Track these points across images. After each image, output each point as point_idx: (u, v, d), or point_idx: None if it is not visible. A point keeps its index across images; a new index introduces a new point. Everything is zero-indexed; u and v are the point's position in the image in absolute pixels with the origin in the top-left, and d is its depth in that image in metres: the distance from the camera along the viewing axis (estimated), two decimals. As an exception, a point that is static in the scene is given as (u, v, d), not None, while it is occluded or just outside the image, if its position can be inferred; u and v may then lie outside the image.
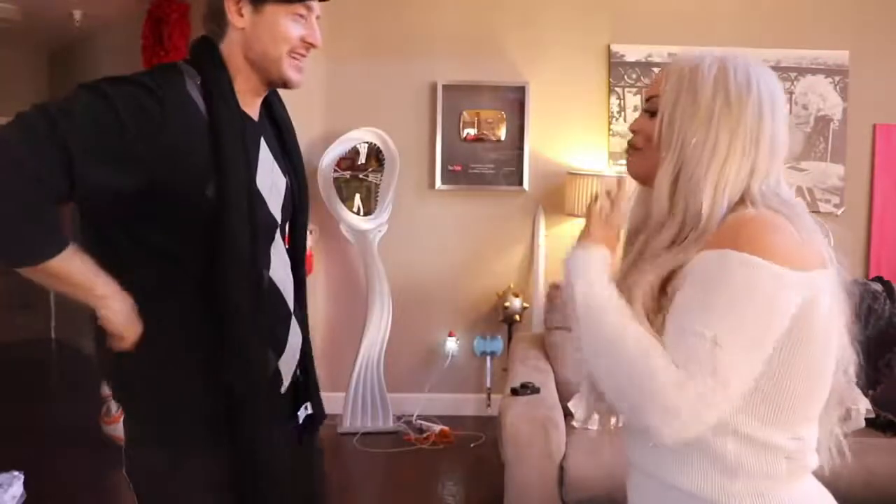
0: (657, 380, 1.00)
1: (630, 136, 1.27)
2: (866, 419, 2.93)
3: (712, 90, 1.11)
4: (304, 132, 4.43)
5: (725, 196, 1.11)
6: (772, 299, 1.03)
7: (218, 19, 1.34)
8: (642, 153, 1.23)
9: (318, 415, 1.55)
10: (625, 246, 1.27)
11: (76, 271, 1.21)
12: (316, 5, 1.33)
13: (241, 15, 1.31)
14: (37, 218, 1.16)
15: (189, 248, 1.27)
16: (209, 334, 1.27)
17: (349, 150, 4.21)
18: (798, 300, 1.04)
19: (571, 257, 1.27)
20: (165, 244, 1.28)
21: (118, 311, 1.23)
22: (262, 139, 1.42)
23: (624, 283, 1.16)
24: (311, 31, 1.34)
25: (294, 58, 1.34)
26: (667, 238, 1.13)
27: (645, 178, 1.23)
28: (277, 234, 1.43)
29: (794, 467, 1.14)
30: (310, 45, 1.35)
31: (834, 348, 1.12)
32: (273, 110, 1.50)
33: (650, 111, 1.19)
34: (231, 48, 1.35)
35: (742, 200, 1.12)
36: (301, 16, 1.32)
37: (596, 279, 1.16)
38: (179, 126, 1.24)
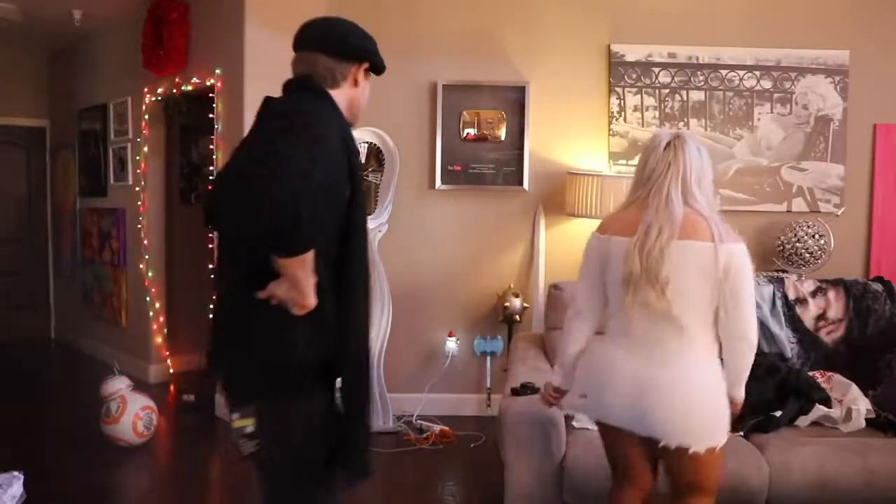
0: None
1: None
2: (866, 419, 2.93)
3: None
4: (304, 132, 4.44)
5: None
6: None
7: (341, 73, 1.74)
8: None
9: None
10: None
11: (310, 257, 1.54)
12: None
13: (359, 82, 1.77)
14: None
15: (330, 237, 1.64)
16: (333, 304, 1.65)
17: (349, 150, 4.21)
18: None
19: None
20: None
21: (312, 286, 1.57)
22: None
23: None
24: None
25: None
26: None
27: None
28: None
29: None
30: None
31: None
32: None
33: None
34: (339, 97, 1.75)
35: None
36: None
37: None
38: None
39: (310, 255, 1.51)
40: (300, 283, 1.54)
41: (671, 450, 1.94)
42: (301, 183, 1.43)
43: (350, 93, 1.76)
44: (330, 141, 1.58)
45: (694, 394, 1.94)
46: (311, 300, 1.56)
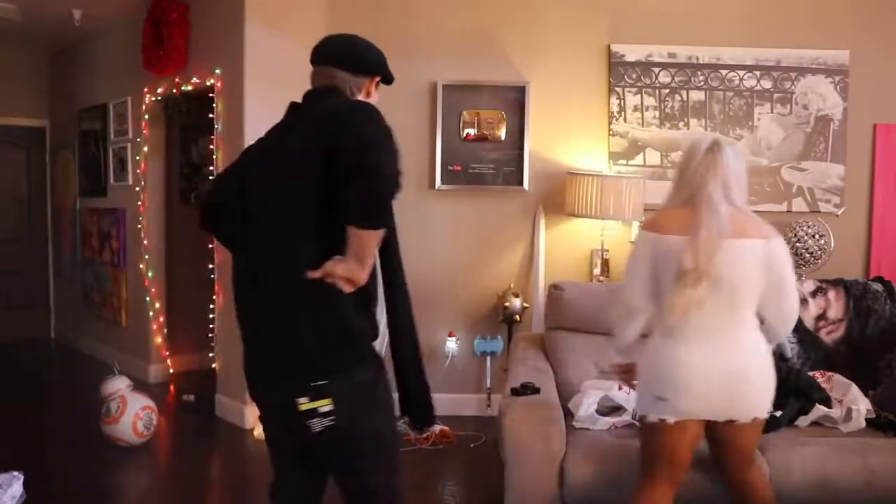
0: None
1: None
2: (867, 419, 2.93)
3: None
4: (304, 132, 4.44)
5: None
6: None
7: (356, 86, 1.90)
8: None
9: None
10: None
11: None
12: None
13: (373, 92, 1.94)
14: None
15: None
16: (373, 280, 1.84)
17: (349, 150, 4.21)
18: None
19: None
20: None
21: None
22: None
23: None
24: None
25: None
26: None
27: None
28: None
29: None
30: None
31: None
32: None
33: None
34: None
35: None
36: None
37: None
38: None
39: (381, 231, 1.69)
40: (368, 258, 1.69)
41: (737, 426, 2.17)
42: (398, 160, 1.65)
43: (360, 97, 1.93)
44: None
45: (762, 370, 2.18)
46: (366, 276, 1.71)
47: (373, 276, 1.80)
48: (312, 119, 1.77)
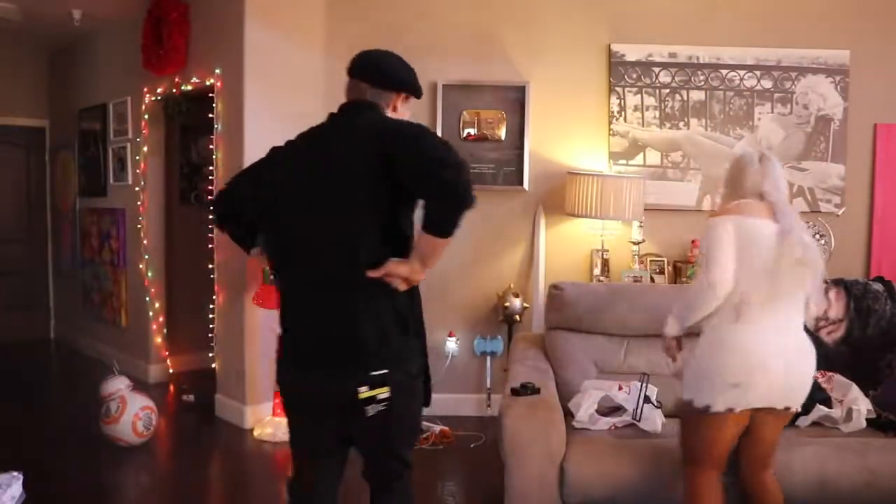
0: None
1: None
2: (867, 419, 2.92)
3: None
4: (304, 132, 4.44)
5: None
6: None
7: (386, 100, 2.04)
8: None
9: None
10: None
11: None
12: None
13: (402, 108, 2.08)
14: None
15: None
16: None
17: (349, 150, 4.21)
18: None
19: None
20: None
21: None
22: None
23: None
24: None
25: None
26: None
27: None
28: None
29: None
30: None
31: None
32: None
33: None
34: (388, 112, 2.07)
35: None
36: None
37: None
38: None
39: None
40: (432, 262, 1.90)
41: (773, 417, 2.30)
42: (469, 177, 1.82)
43: (391, 116, 2.05)
44: None
45: (813, 357, 2.30)
46: (423, 277, 1.93)
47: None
48: (365, 132, 1.90)
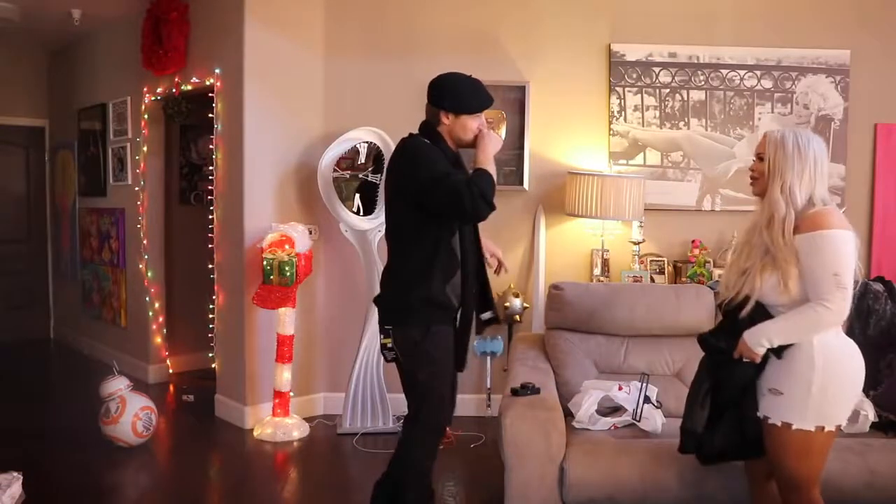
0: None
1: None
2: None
3: (792, 148, 2.23)
4: (304, 132, 4.43)
5: (803, 199, 2.24)
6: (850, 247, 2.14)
7: (435, 118, 2.57)
8: (759, 181, 2.29)
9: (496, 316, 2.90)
10: (745, 236, 2.31)
11: None
12: (484, 112, 2.61)
13: (447, 120, 2.57)
14: None
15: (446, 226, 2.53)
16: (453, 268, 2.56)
17: (349, 150, 4.21)
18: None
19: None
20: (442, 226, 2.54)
21: None
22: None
23: (748, 258, 2.24)
24: (481, 122, 2.60)
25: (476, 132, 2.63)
26: (776, 227, 2.18)
27: (761, 194, 2.28)
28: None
29: None
30: (480, 129, 2.59)
31: None
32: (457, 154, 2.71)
33: (759, 158, 2.28)
34: (443, 130, 2.60)
35: (811, 203, 2.24)
36: (477, 115, 2.59)
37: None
38: None
39: None
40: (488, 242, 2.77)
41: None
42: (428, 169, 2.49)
43: (444, 128, 2.57)
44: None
45: None
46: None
47: (447, 257, 2.49)
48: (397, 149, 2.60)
